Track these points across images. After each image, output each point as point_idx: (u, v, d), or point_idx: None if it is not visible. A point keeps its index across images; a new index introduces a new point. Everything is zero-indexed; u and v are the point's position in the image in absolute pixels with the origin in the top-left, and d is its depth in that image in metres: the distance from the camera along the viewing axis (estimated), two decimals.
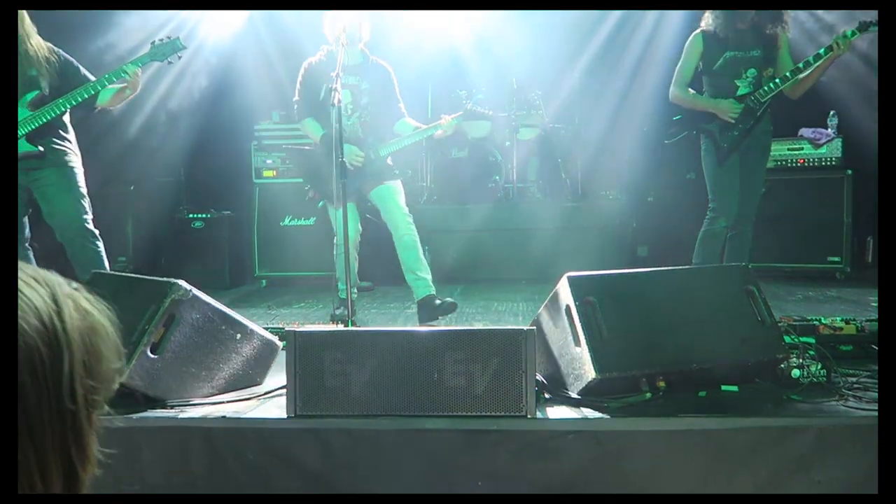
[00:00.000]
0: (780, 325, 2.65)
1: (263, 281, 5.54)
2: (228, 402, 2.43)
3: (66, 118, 3.47)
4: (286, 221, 5.45)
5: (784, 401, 2.30)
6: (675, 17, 5.68)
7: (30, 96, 3.23)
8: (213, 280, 5.26)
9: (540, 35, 6.25)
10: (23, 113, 3.21)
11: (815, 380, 2.40)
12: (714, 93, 3.56)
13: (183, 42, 3.37)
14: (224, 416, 2.31)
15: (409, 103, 6.07)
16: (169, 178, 6.09)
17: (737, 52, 3.48)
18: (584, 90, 6.31)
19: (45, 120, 3.23)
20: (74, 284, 0.63)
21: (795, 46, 3.98)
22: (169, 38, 3.38)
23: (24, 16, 3.23)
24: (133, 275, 2.82)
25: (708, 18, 3.52)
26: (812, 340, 2.61)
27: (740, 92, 3.52)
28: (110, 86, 3.27)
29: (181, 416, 2.31)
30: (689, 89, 3.62)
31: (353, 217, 3.84)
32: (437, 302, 3.79)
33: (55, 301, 0.59)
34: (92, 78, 3.37)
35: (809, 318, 3.02)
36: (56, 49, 3.39)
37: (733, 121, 3.47)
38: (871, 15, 3.25)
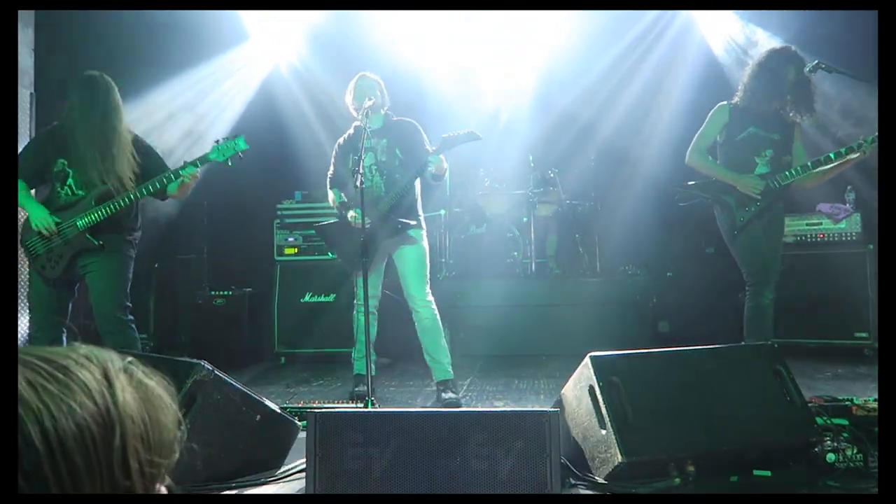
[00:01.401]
0: (810, 405, 2.58)
1: (282, 357, 5.52)
2: (248, 484, 2.39)
3: (139, 212, 3.49)
4: (306, 298, 5.48)
5: (821, 487, 2.21)
6: (689, 94, 5.82)
7: (96, 192, 3.26)
8: (232, 356, 5.26)
9: (556, 113, 6.44)
10: (88, 206, 3.25)
11: (851, 464, 2.31)
12: (731, 166, 3.58)
13: (245, 141, 3.35)
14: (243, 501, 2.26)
15: (428, 185, 6.19)
16: (191, 255, 6.20)
17: (759, 130, 3.53)
18: (601, 166, 6.42)
19: (110, 212, 3.24)
20: (129, 358, 0.64)
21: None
22: (235, 137, 3.36)
23: (126, 135, 3.30)
24: (155, 355, 2.84)
25: (741, 93, 3.59)
26: (846, 422, 2.53)
27: (758, 170, 3.55)
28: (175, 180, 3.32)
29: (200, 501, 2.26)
30: (710, 157, 3.64)
31: (376, 280, 3.83)
32: (444, 395, 3.68)
33: (106, 377, 0.60)
34: (166, 166, 3.41)
35: (840, 398, 2.92)
36: (139, 140, 3.43)
37: (755, 196, 3.49)
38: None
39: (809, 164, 3.45)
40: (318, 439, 2.23)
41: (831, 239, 5.16)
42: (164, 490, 0.64)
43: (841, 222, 5.13)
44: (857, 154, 3.36)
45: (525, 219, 6.10)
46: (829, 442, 2.37)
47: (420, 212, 3.88)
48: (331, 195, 4.00)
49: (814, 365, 4.64)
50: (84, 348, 0.62)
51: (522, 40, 6.45)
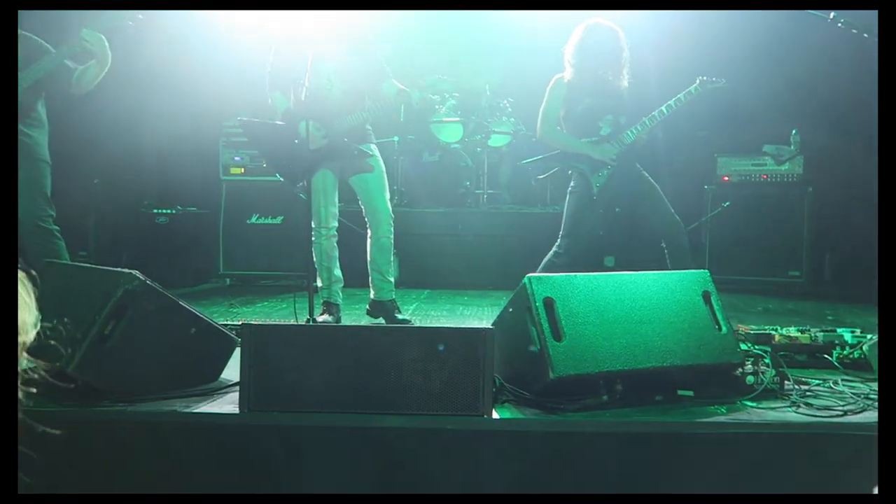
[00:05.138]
0: (738, 333, 2.69)
1: (228, 279, 5.46)
2: (180, 396, 2.37)
3: (42, 111, 3.34)
4: (253, 220, 5.39)
5: (738, 406, 2.33)
6: (649, 22, 5.72)
7: None
8: (176, 277, 5.17)
9: (515, 41, 6.29)
10: None
11: (768, 387, 2.44)
12: (578, 135, 3.76)
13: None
14: (174, 410, 2.25)
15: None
16: (134, 172, 5.98)
17: (594, 100, 3.72)
18: None
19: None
20: None
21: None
22: None
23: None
24: (86, 264, 2.74)
25: (569, 69, 3.75)
26: (768, 349, 2.65)
27: (603, 132, 3.73)
28: (75, 64, 3.16)
29: (130, 409, 2.24)
30: (562, 130, 3.80)
31: (331, 202, 3.62)
32: (398, 315, 3.73)
33: None
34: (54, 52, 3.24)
35: (765, 327, 3.06)
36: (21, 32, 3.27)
37: (611, 161, 3.69)
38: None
39: (647, 120, 3.70)
40: (253, 352, 2.21)
41: (774, 179, 5.29)
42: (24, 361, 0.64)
43: (784, 164, 5.25)
44: (687, 99, 3.66)
45: (479, 149, 6.05)
46: (749, 366, 2.49)
47: (371, 130, 3.72)
48: (276, 98, 3.59)
49: (747, 300, 4.85)
50: None
51: None
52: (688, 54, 5.52)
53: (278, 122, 3.61)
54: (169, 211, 5.46)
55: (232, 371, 2.57)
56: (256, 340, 2.23)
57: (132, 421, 2.22)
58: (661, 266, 4.30)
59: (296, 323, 3.34)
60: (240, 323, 3.50)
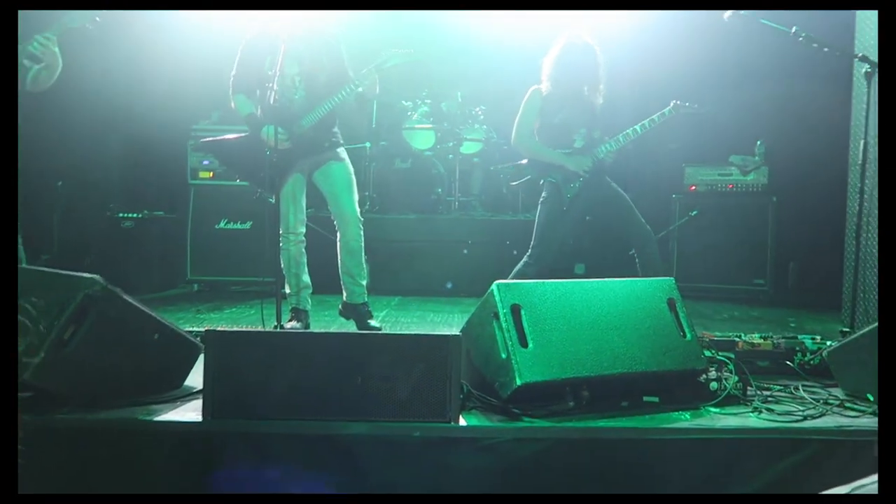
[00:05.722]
0: (702, 340, 2.73)
1: (196, 285, 5.37)
2: (142, 404, 2.32)
3: None
4: (221, 224, 5.32)
5: (702, 412, 2.36)
6: (626, 31, 5.81)
7: None
8: (142, 282, 5.08)
9: (487, 49, 6.33)
10: None
11: (732, 392, 2.47)
12: (552, 147, 3.81)
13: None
14: (136, 418, 2.20)
15: (356, 116, 5.93)
16: (99, 174, 5.87)
17: (569, 113, 3.77)
18: None
19: None
20: None
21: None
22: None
23: None
24: (46, 268, 2.66)
25: (546, 82, 3.79)
26: (731, 355, 2.70)
27: (577, 144, 3.79)
28: (31, 64, 3.09)
29: (90, 417, 2.19)
30: (537, 140, 3.82)
31: (300, 207, 3.59)
32: (370, 322, 3.71)
33: None
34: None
35: (729, 334, 3.11)
36: None
37: (583, 174, 3.73)
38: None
39: (620, 137, 3.76)
40: (216, 359, 2.18)
41: (739, 189, 5.40)
42: None
43: (749, 174, 5.36)
44: (661, 120, 3.72)
45: (450, 156, 6.07)
46: (713, 372, 2.52)
47: (340, 134, 3.69)
48: (238, 101, 3.55)
49: (713, 307, 4.93)
50: None
51: None
52: (658, 67, 5.62)
53: (241, 134, 3.58)
54: (135, 215, 5.37)
55: (196, 378, 2.53)
56: (220, 347, 2.20)
57: (92, 429, 2.16)
58: (630, 273, 4.37)
59: (262, 329, 3.30)
60: (205, 329, 3.48)
